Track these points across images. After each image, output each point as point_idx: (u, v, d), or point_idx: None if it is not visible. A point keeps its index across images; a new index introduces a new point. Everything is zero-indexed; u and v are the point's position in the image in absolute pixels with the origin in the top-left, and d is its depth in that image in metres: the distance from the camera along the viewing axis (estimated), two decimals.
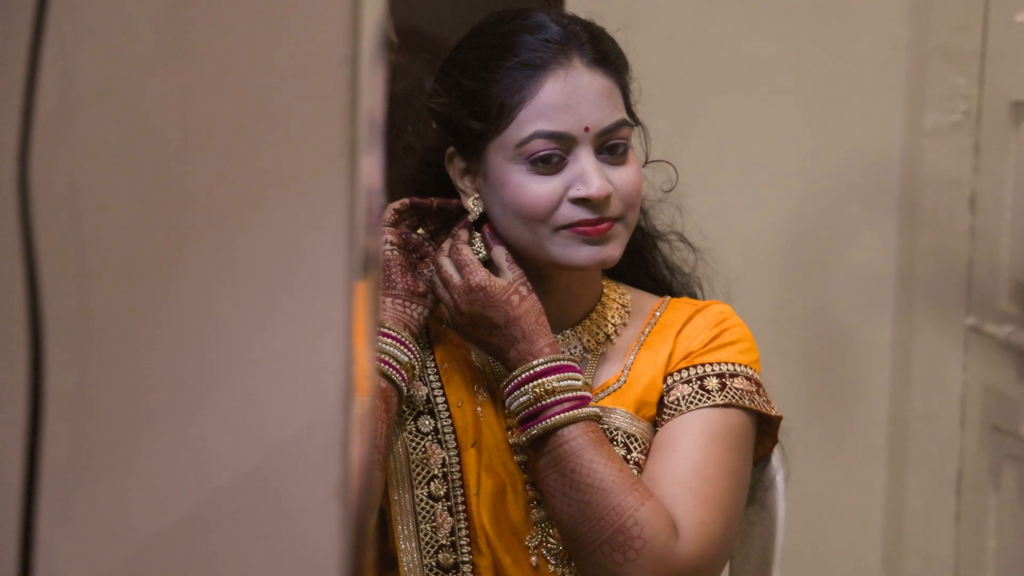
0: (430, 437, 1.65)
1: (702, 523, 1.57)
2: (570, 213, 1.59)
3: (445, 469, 1.64)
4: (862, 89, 2.75)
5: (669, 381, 1.66)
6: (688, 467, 1.60)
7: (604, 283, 1.74)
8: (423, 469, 1.64)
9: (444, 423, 1.65)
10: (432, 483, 1.64)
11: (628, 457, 1.63)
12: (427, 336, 1.71)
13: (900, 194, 2.76)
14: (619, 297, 1.73)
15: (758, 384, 1.67)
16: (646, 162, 1.75)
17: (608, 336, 1.70)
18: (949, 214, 2.70)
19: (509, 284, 1.61)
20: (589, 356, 1.69)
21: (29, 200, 0.89)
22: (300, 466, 0.94)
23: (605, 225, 1.59)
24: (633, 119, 1.67)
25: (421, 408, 1.66)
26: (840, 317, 2.79)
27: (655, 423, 1.67)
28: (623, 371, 1.68)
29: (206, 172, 0.93)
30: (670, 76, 2.65)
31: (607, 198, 1.59)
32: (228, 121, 0.93)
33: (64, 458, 0.92)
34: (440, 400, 1.66)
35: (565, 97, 1.59)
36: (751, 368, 1.67)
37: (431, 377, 1.67)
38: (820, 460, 2.76)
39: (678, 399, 1.65)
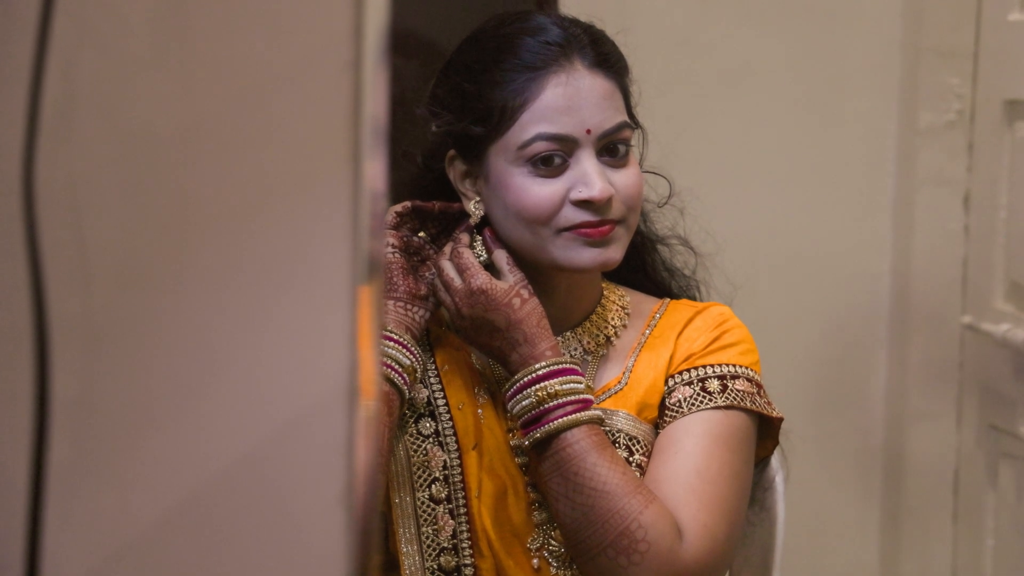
0: (431, 439, 1.65)
1: (706, 525, 1.57)
2: (572, 215, 1.59)
3: (446, 472, 1.64)
4: (856, 88, 2.75)
5: (670, 383, 1.66)
6: (691, 469, 1.60)
7: (604, 285, 1.74)
8: (424, 472, 1.64)
9: (445, 425, 1.65)
10: (433, 486, 1.64)
11: (630, 459, 1.63)
12: (428, 339, 1.70)
13: (894, 193, 2.76)
14: (619, 299, 1.73)
15: (759, 385, 1.67)
16: (642, 169, 1.75)
17: (608, 338, 1.70)
18: (944, 213, 2.70)
19: (510, 287, 1.61)
20: (589, 358, 1.69)
21: (34, 205, 0.89)
22: (304, 471, 0.94)
23: (607, 227, 1.59)
24: (633, 121, 1.67)
25: (422, 411, 1.66)
26: (835, 317, 2.79)
27: (656, 425, 1.66)
28: (624, 373, 1.68)
29: (209, 177, 0.93)
30: (662, 77, 2.65)
31: (609, 200, 1.59)
32: (231, 125, 0.93)
33: (68, 463, 0.91)
34: (441, 402, 1.66)
35: (567, 99, 1.59)
36: (752, 369, 1.67)
37: (432, 380, 1.67)
38: (817, 460, 2.76)
39: (680, 401, 1.65)
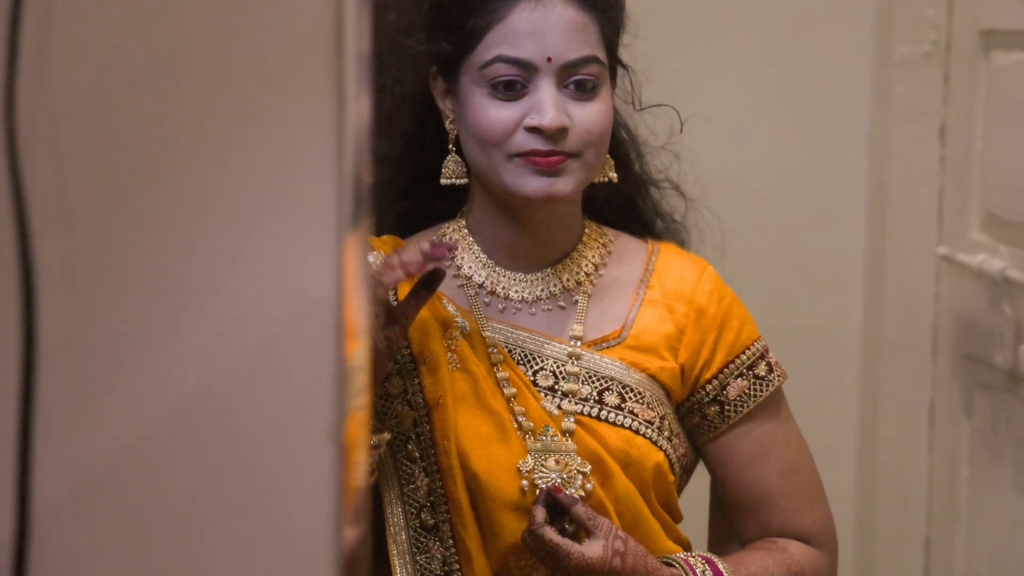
0: (399, 399, 1.64)
1: (822, 516, 1.73)
2: (523, 141, 1.59)
3: (417, 430, 1.64)
4: (830, 20, 2.74)
5: (720, 378, 1.70)
6: (786, 470, 1.71)
7: (586, 224, 1.73)
8: (399, 432, 1.64)
9: (412, 383, 1.64)
10: (408, 444, 1.64)
11: (622, 406, 1.64)
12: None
13: (870, 125, 2.76)
14: (600, 237, 1.73)
15: (766, 348, 1.75)
16: (642, 106, 1.75)
17: (588, 275, 1.69)
18: (919, 145, 2.70)
19: (604, 551, 1.57)
20: (578, 298, 1.69)
21: (16, 143, 0.88)
22: (293, 407, 0.94)
23: (556, 158, 1.58)
24: (614, 60, 1.67)
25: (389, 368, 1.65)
26: (812, 248, 2.79)
27: (705, 416, 1.71)
28: (623, 328, 1.68)
29: (191, 107, 0.92)
30: (636, 12, 2.63)
31: (563, 131, 1.58)
32: (213, 54, 0.91)
33: (54, 395, 0.91)
34: (407, 359, 1.65)
35: (532, 25, 1.58)
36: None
37: (408, 364, 1.66)
38: (792, 391, 2.77)
39: (740, 396, 1.70)
